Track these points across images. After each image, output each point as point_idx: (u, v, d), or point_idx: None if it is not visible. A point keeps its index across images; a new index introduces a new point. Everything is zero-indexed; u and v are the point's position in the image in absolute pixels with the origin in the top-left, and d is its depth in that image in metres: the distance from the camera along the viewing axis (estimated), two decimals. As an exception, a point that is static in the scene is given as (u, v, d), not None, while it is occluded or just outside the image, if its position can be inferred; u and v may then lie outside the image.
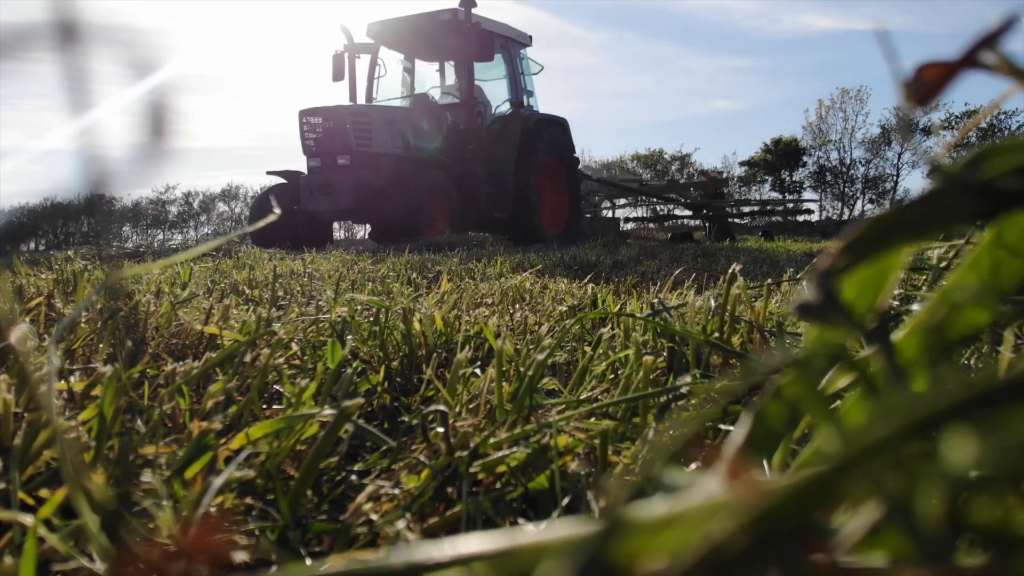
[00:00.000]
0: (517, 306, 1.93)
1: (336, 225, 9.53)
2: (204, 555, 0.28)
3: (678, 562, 0.21)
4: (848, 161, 35.10)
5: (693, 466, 0.54)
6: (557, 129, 11.13)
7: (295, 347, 1.21)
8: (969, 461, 0.21)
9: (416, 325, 1.30)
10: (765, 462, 0.44)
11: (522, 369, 0.87)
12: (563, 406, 0.83)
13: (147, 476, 0.53)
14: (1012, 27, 0.33)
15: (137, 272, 0.49)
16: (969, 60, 0.33)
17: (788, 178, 35.07)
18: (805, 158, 35.42)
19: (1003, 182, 0.31)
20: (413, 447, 0.77)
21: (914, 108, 0.35)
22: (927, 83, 0.34)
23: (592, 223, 12.84)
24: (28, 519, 0.49)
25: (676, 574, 0.21)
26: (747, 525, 0.20)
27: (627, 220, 16.43)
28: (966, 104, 30.01)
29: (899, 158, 33.97)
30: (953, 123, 30.63)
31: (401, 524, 0.60)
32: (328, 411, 0.71)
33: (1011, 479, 0.22)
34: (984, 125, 30.08)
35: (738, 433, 0.30)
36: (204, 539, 0.28)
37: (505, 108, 11.01)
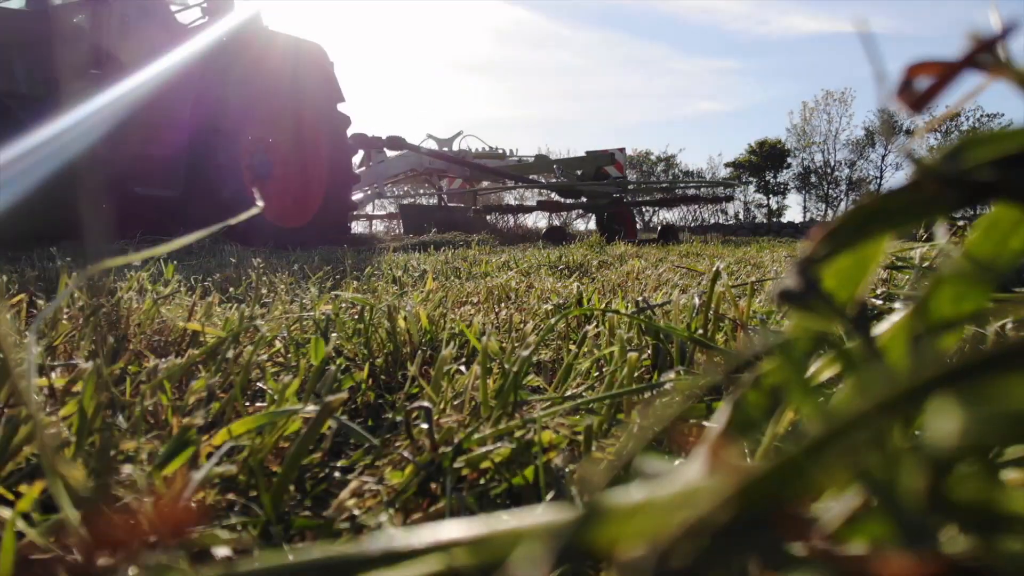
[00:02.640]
0: (503, 305, 1.93)
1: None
2: (178, 534, 0.28)
3: (656, 547, 0.21)
4: (832, 163, 35.32)
5: (675, 457, 0.54)
6: (298, 57, 6.35)
7: (278, 344, 1.20)
8: (953, 435, 0.21)
9: (401, 322, 1.30)
10: (748, 453, 0.44)
11: (507, 366, 0.87)
12: (548, 402, 0.83)
13: (128, 470, 0.53)
14: (1014, 30, 0.33)
15: (118, 264, 0.49)
16: (970, 61, 0.33)
17: (772, 179, 35.20)
18: (790, 160, 35.56)
19: (981, 173, 0.31)
20: (397, 443, 0.77)
21: (909, 112, 0.35)
22: (924, 84, 0.34)
23: (434, 213, 10.39)
24: (6, 513, 0.49)
25: (654, 558, 0.21)
26: (726, 507, 0.20)
27: (488, 211, 12.18)
28: (946, 108, 30.17)
29: (883, 160, 34.22)
30: (935, 126, 30.84)
31: (384, 519, 0.60)
32: (311, 407, 0.70)
33: (988, 461, 0.22)
34: (967, 127, 30.35)
35: (718, 420, 0.30)
36: (178, 520, 0.28)
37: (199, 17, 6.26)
